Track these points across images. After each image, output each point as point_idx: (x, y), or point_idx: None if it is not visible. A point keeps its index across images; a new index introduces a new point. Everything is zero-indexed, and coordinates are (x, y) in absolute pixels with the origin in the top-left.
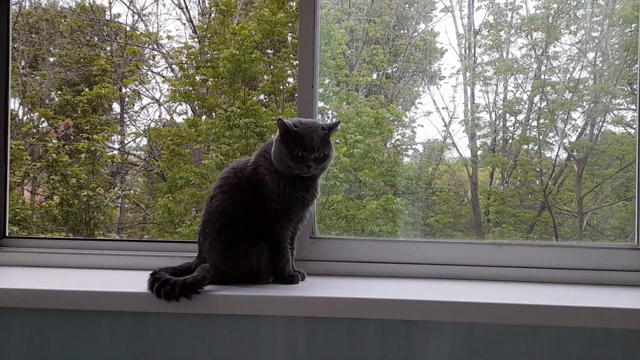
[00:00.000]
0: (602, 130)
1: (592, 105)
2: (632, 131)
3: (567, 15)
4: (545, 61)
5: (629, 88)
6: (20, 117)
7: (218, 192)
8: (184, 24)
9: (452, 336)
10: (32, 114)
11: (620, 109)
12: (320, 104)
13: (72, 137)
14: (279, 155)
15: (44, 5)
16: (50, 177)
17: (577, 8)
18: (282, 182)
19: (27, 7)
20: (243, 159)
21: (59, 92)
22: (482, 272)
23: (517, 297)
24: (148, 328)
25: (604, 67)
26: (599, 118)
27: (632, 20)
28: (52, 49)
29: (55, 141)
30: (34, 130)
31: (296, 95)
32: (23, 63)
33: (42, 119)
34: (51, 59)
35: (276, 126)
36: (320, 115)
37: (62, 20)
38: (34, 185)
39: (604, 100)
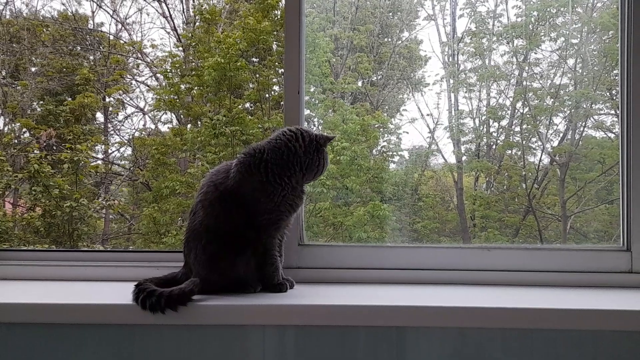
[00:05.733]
0: (583, 135)
1: (573, 110)
2: (612, 135)
3: (547, 23)
4: (527, 68)
5: (608, 93)
6: (1, 128)
7: (199, 208)
8: (168, 33)
9: (442, 341)
10: (13, 125)
11: (601, 114)
12: (306, 112)
13: (54, 148)
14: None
15: (25, 14)
16: (32, 188)
17: (557, 16)
18: (281, 192)
19: (7, 16)
20: (222, 167)
21: (41, 102)
22: (471, 277)
23: (506, 300)
24: (133, 340)
25: (584, 73)
26: (580, 123)
27: (609, 28)
28: (33, 58)
29: (37, 152)
30: (16, 141)
31: (282, 102)
32: (4, 73)
33: (24, 130)
34: (33, 69)
35: (263, 134)
36: (306, 123)
37: (44, 29)
38: (15, 196)
39: (585, 106)
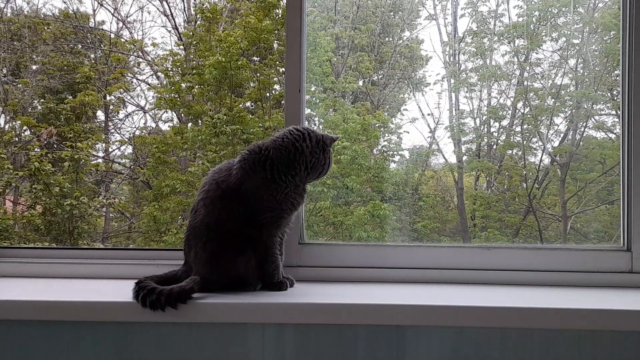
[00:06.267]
0: (584, 135)
1: (574, 110)
2: (613, 136)
3: (549, 23)
4: (528, 68)
5: (609, 94)
6: (2, 126)
7: (201, 206)
8: (169, 31)
9: (442, 340)
10: (14, 122)
11: (602, 115)
12: (307, 111)
13: (55, 146)
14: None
15: (26, 12)
16: (33, 186)
17: (558, 16)
18: (284, 189)
19: (8, 14)
20: (224, 165)
21: (42, 100)
22: (470, 276)
23: (506, 300)
24: (133, 338)
25: (585, 74)
26: (581, 123)
27: (611, 28)
28: (34, 56)
29: (38, 150)
30: (16, 139)
31: (283, 101)
32: (5, 71)
33: (25, 127)
34: (34, 67)
35: (263, 133)
36: (307, 122)
37: (45, 27)
38: (16, 194)
39: (586, 106)
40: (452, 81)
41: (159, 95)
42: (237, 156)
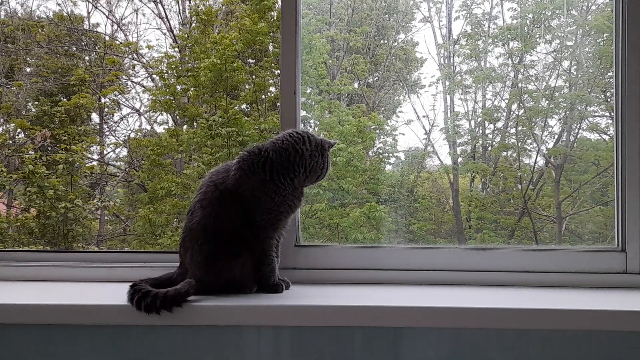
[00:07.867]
0: (578, 136)
1: (568, 112)
2: (607, 137)
3: (543, 25)
4: (522, 70)
5: (602, 95)
6: None
7: (198, 208)
8: (164, 34)
9: (438, 342)
10: (8, 125)
11: (595, 116)
12: (303, 113)
13: (49, 148)
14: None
15: (20, 15)
16: (27, 189)
17: (552, 18)
18: (282, 192)
19: (2, 17)
20: (222, 167)
21: (36, 102)
22: (467, 277)
23: (503, 301)
24: (128, 341)
25: (579, 76)
26: (575, 125)
27: (604, 30)
28: (28, 58)
29: (32, 152)
30: (10, 142)
31: (278, 104)
32: None
33: (19, 130)
34: (28, 69)
35: (259, 136)
36: (302, 124)
37: (39, 29)
38: (10, 197)
39: (579, 108)
40: (447, 83)
41: (154, 98)
42: (234, 158)
